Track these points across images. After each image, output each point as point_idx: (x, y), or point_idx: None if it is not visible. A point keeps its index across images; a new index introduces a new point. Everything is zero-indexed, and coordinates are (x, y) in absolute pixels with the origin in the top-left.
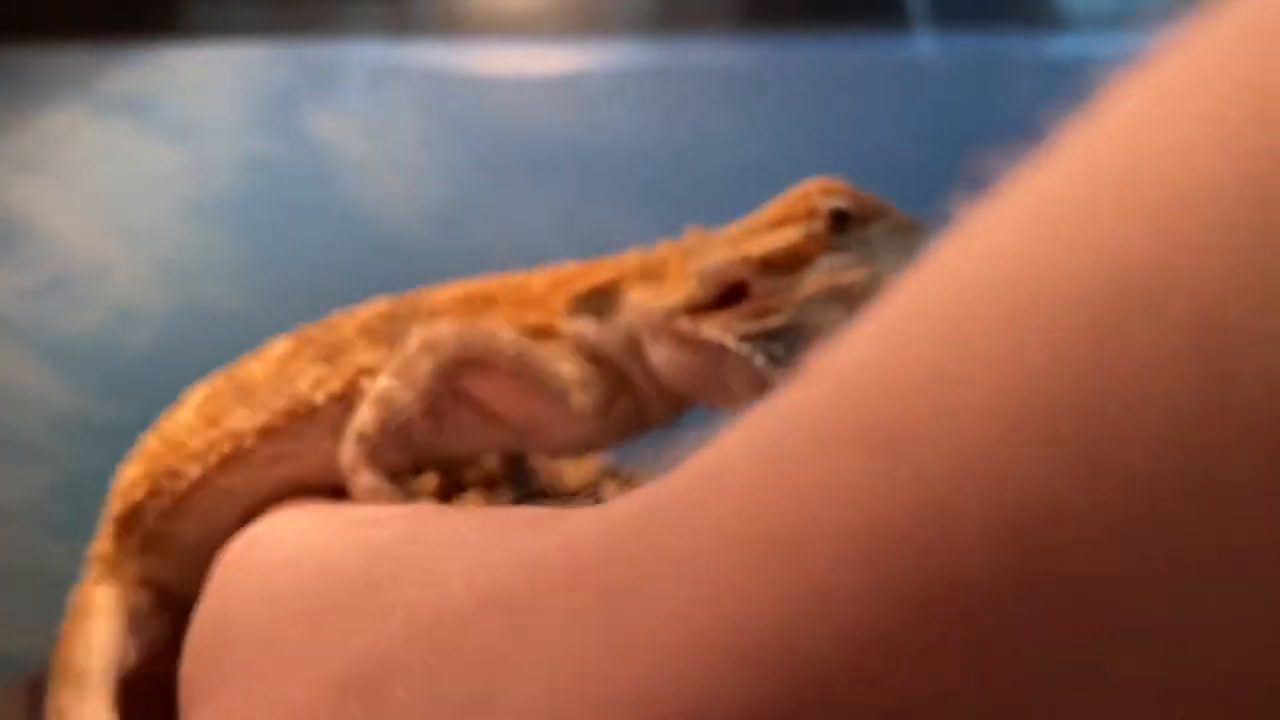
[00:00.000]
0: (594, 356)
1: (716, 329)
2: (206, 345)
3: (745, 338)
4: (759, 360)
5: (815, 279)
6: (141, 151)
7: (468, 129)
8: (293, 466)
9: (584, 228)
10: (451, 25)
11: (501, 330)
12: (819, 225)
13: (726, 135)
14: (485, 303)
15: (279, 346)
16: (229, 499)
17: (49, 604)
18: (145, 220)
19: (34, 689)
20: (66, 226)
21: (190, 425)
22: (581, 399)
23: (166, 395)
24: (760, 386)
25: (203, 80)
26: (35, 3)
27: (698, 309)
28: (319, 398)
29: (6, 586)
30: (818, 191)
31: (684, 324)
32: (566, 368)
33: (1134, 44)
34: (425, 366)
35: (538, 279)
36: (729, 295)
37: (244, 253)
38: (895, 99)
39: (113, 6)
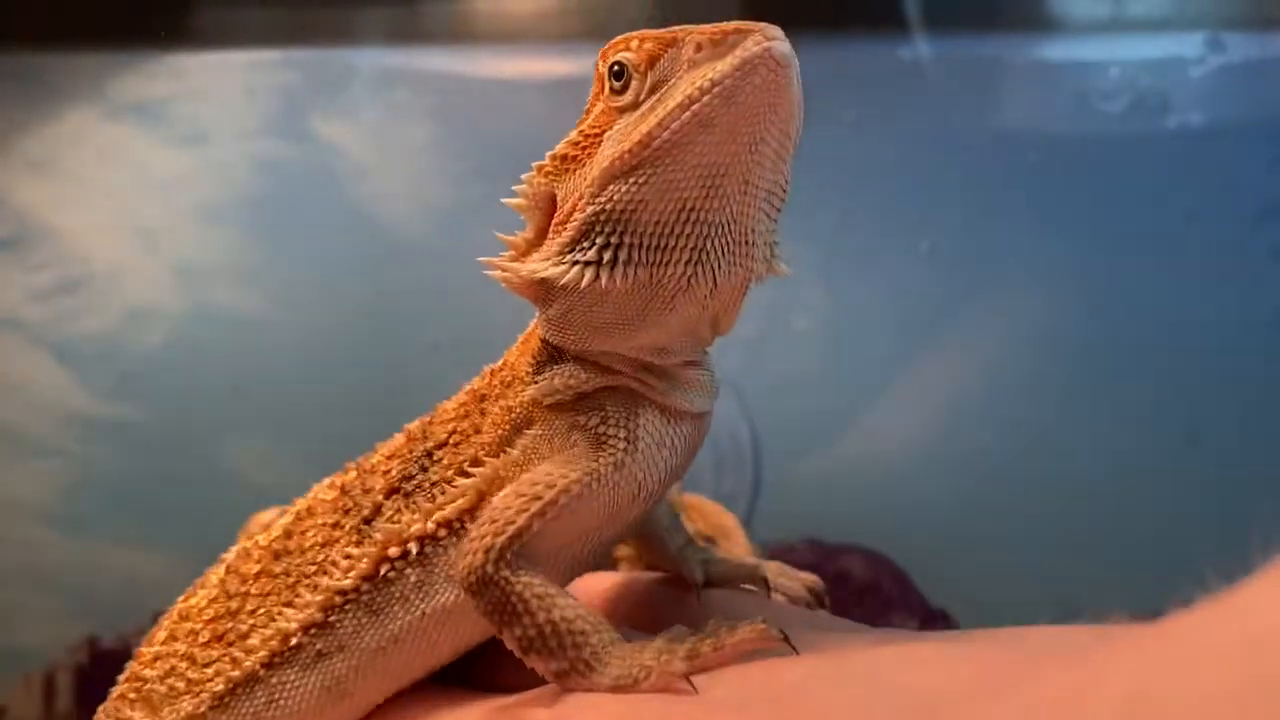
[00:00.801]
0: (580, 398)
1: (532, 262)
2: (217, 345)
3: (556, 256)
4: (570, 277)
5: (599, 158)
6: (153, 155)
7: (473, 133)
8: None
9: None
10: (458, 31)
11: (507, 500)
12: (605, 90)
13: None
14: (479, 410)
15: (316, 505)
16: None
17: (62, 600)
18: (157, 222)
19: (50, 681)
20: (80, 228)
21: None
22: (608, 464)
23: (177, 395)
24: (627, 298)
25: (213, 85)
26: (50, 9)
27: (531, 249)
28: (349, 583)
29: (20, 583)
30: (600, 57)
31: (504, 273)
32: (577, 465)
33: (1125, 48)
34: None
35: (500, 369)
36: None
37: (254, 254)
38: (892, 101)
39: (125, 13)
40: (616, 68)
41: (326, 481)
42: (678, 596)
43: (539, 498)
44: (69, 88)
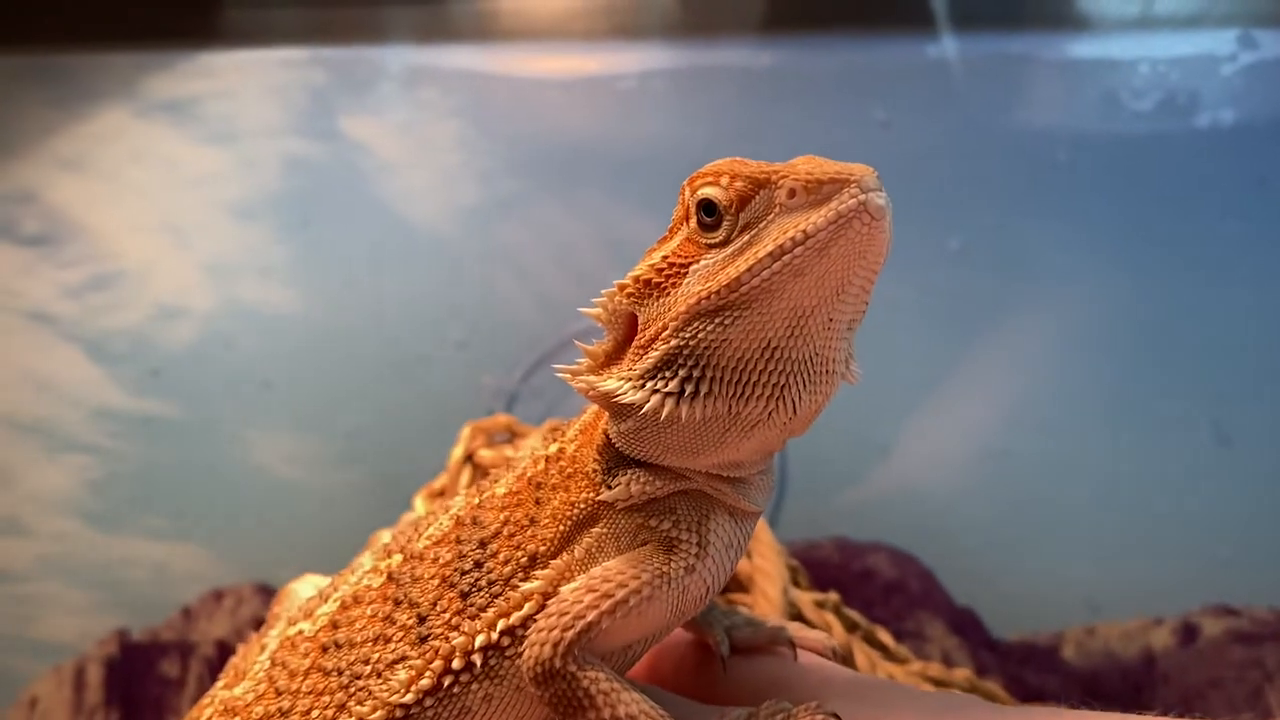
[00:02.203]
0: (651, 501)
1: (613, 380)
2: (246, 341)
3: (638, 380)
4: (651, 406)
5: (684, 291)
6: (184, 153)
7: (500, 131)
8: None
9: (613, 226)
10: (484, 29)
11: (578, 594)
12: (693, 224)
13: (753, 134)
14: (534, 500)
15: (363, 594)
16: None
17: (92, 593)
18: (188, 219)
19: (80, 673)
20: (111, 226)
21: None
22: (679, 568)
23: (207, 391)
24: (705, 425)
25: (242, 84)
26: (82, 9)
27: (610, 362)
28: (410, 698)
29: (51, 576)
30: (687, 185)
31: (585, 384)
32: (649, 567)
33: (1155, 45)
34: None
35: (557, 457)
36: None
37: (283, 251)
38: (920, 99)
39: (156, 13)
40: (706, 203)
41: (369, 563)
42: (716, 661)
43: (610, 595)
44: (100, 87)
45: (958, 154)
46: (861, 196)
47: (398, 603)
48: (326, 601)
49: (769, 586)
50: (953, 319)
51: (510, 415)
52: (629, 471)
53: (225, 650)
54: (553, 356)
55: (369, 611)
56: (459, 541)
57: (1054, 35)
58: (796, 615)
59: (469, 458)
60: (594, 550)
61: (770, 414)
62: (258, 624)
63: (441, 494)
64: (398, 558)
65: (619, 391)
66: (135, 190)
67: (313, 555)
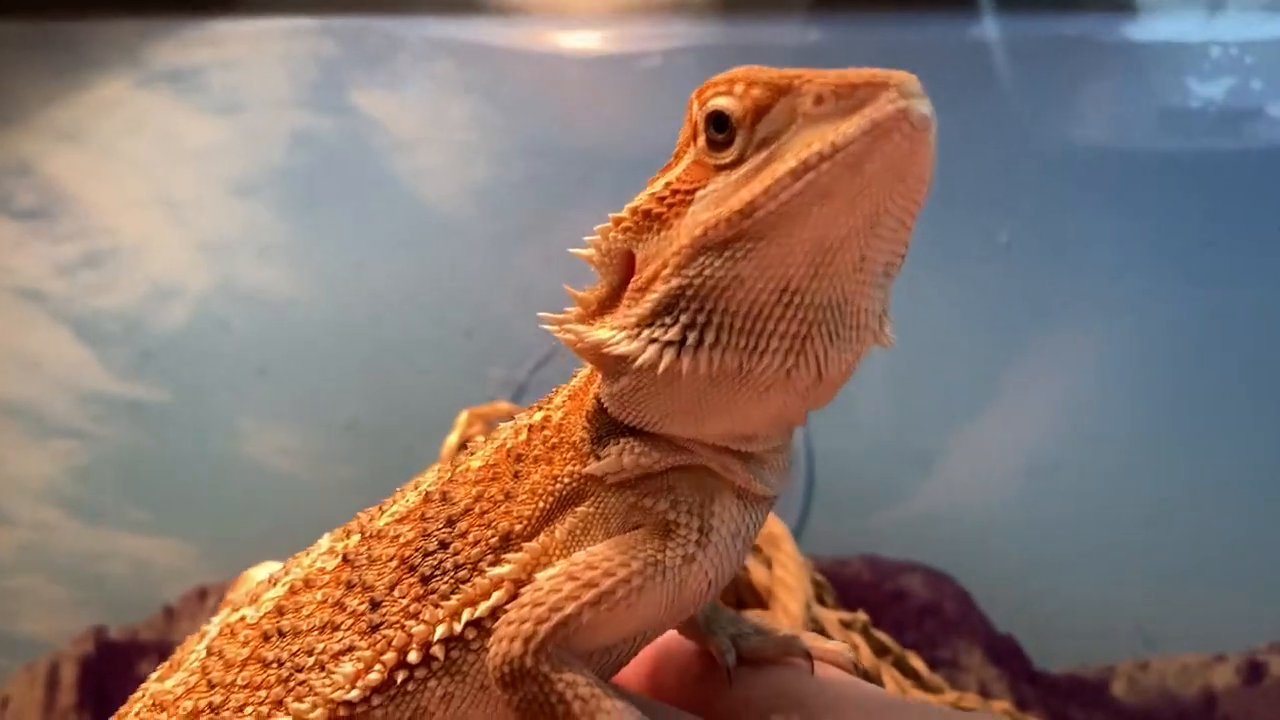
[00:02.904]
0: (646, 476)
1: (604, 329)
2: (242, 325)
3: (633, 329)
4: (647, 357)
5: (689, 222)
6: (186, 125)
7: (517, 109)
8: None
9: None
10: (505, 3)
11: (556, 581)
12: (701, 142)
13: None
14: (513, 473)
15: (315, 577)
16: None
17: (69, 588)
18: (186, 195)
19: (54, 672)
20: (106, 200)
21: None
22: (676, 557)
23: (199, 376)
24: (712, 385)
25: (250, 54)
26: None
27: (604, 309)
28: (355, 695)
29: (28, 568)
30: (695, 97)
31: (571, 334)
32: (640, 553)
33: (1226, 27)
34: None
35: (541, 425)
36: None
37: (284, 230)
38: (967, 81)
39: None
40: (716, 116)
41: (326, 544)
42: (721, 671)
43: (593, 585)
44: (102, 56)
45: (1006, 141)
46: (902, 103)
47: (350, 586)
48: (275, 585)
49: (790, 601)
50: (998, 318)
51: (512, 404)
52: (621, 440)
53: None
54: (565, 349)
55: (319, 596)
56: (424, 519)
57: (1113, 16)
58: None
59: (464, 445)
60: (578, 532)
61: (789, 372)
62: None
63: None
64: (355, 537)
65: (610, 342)
66: (133, 163)
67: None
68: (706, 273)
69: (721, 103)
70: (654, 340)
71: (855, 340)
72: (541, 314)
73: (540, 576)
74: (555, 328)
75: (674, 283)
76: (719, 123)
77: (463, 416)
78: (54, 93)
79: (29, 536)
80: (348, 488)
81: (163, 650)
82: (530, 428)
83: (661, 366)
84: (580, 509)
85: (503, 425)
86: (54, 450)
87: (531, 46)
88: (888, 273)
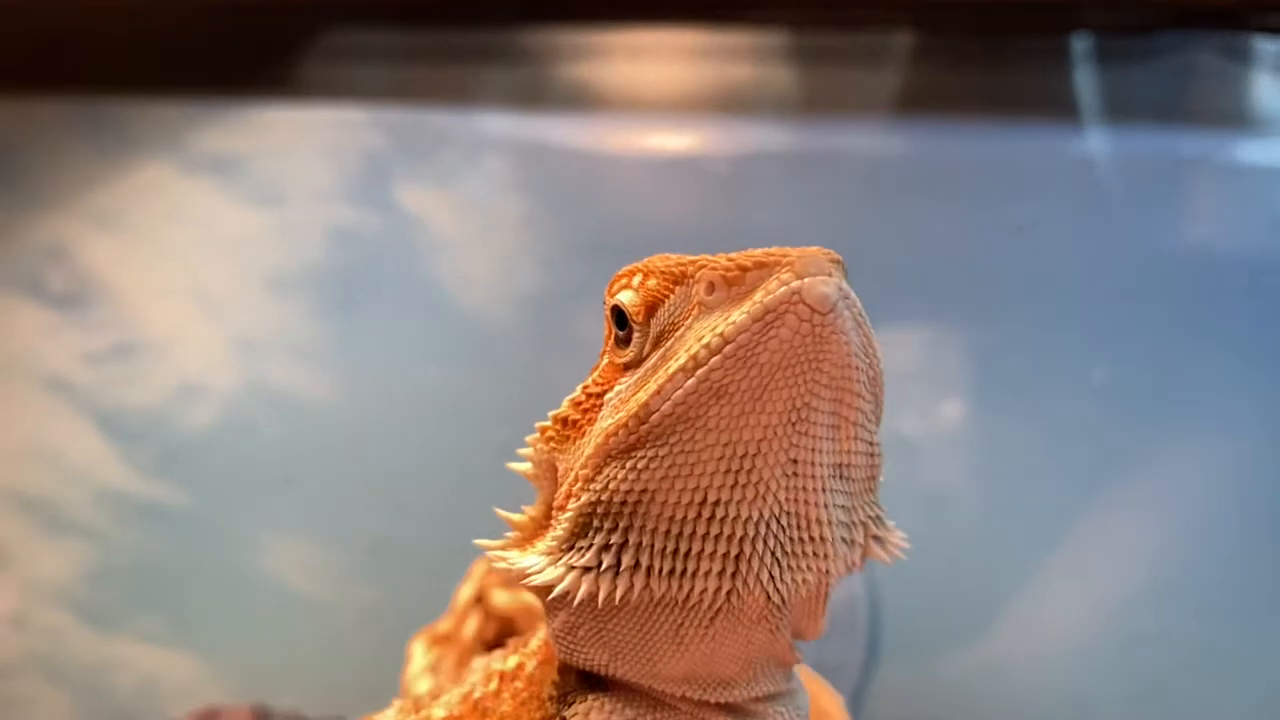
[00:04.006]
0: None
1: (531, 554)
2: (271, 429)
3: (556, 554)
4: (565, 586)
5: (596, 429)
6: (225, 214)
7: (571, 211)
8: None
9: None
10: (572, 98)
11: None
12: (610, 340)
13: (869, 230)
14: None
15: None
16: None
17: (75, 698)
18: (221, 288)
19: None
20: (140, 289)
21: None
22: None
23: (223, 481)
24: (650, 615)
25: (295, 142)
26: (134, 54)
27: (539, 530)
28: None
29: (33, 674)
30: (606, 290)
31: (503, 562)
32: None
33: None
34: None
35: (513, 675)
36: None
37: (320, 330)
38: (1066, 202)
39: (220, 61)
40: (616, 312)
41: None
42: None
43: None
44: (146, 139)
45: (1108, 270)
46: (795, 284)
47: None
48: None
49: None
50: (1092, 467)
51: None
52: (589, 698)
53: None
54: None
55: None
56: None
57: (1232, 134)
58: None
59: (479, 599)
60: None
61: (729, 596)
62: None
63: (446, 640)
64: None
65: (532, 570)
66: (169, 251)
67: (315, 681)
68: (612, 485)
69: (621, 298)
70: (572, 567)
71: (815, 556)
72: (477, 540)
73: None
74: (493, 555)
75: (583, 499)
76: (620, 320)
77: (479, 565)
78: (94, 174)
79: (36, 640)
80: (366, 614)
81: None
82: (501, 675)
83: (580, 594)
84: None
85: (476, 663)
86: (68, 550)
87: (591, 145)
88: (847, 476)
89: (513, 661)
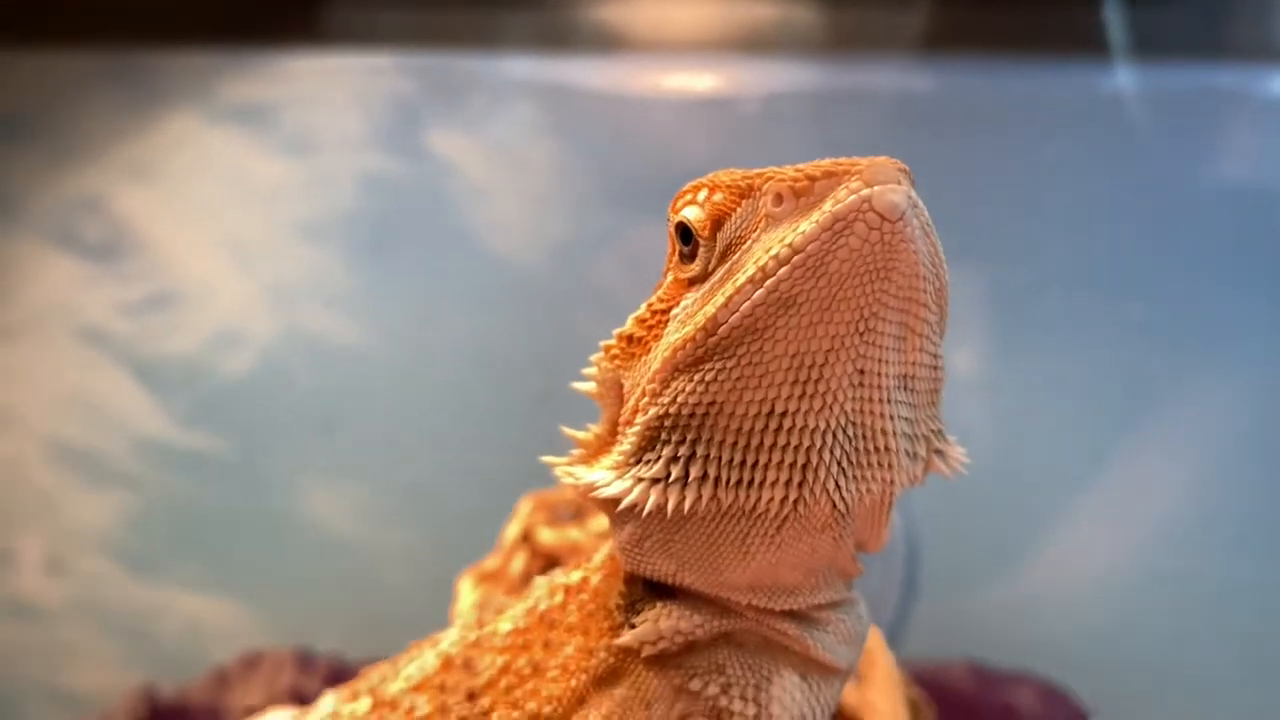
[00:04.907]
0: (690, 649)
1: (597, 469)
2: (306, 376)
3: (622, 467)
4: (634, 498)
5: (663, 343)
6: (256, 164)
7: (601, 154)
8: None
9: None
10: (599, 40)
11: None
12: (675, 257)
13: None
14: (544, 643)
15: None
16: None
17: (120, 643)
18: (254, 237)
19: None
20: (174, 240)
21: None
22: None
23: (260, 427)
24: (717, 526)
25: (325, 91)
26: (161, 5)
27: (604, 447)
28: None
29: (79, 620)
30: (670, 207)
31: (570, 478)
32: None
33: None
34: None
35: (579, 587)
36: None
37: (353, 277)
38: (1102, 139)
39: (245, 10)
40: (682, 228)
41: (330, 705)
42: None
43: None
44: (175, 90)
45: (1145, 207)
46: (865, 192)
47: None
48: None
49: None
50: (1128, 405)
51: None
52: (658, 605)
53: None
54: None
55: None
56: (443, 689)
57: (1267, 67)
58: None
59: (526, 536)
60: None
61: (798, 505)
62: (295, 696)
63: (493, 577)
64: (365, 702)
65: (600, 484)
66: (201, 202)
67: (358, 623)
68: (680, 399)
69: (687, 213)
70: (640, 479)
71: (879, 467)
72: (544, 458)
73: None
74: (559, 472)
75: (651, 413)
76: (685, 235)
77: (525, 504)
78: (125, 127)
79: (82, 586)
80: (409, 553)
81: (215, 715)
82: (567, 589)
83: (649, 505)
84: (618, 691)
85: (538, 580)
86: (110, 499)
87: (620, 88)
88: (912, 388)
89: (577, 576)
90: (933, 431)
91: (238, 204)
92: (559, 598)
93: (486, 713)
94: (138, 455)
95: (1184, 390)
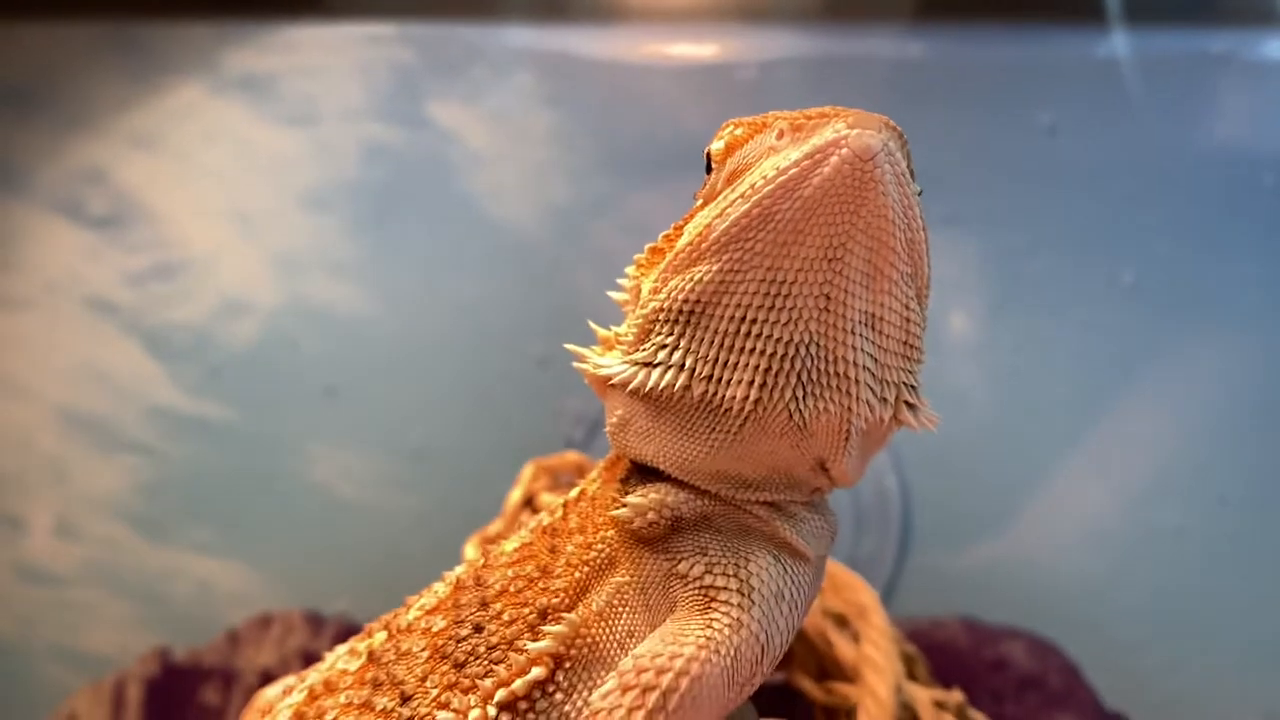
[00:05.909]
0: (676, 532)
1: (609, 356)
2: (311, 343)
3: (625, 355)
4: (622, 375)
5: (672, 254)
6: (260, 134)
7: (600, 122)
8: None
9: None
10: (591, 9)
11: (611, 697)
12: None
13: None
14: (549, 549)
15: (336, 679)
16: None
17: (134, 605)
18: (258, 207)
19: (120, 692)
20: (179, 210)
21: None
22: (724, 626)
23: (267, 395)
24: (690, 415)
25: (326, 61)
26: None
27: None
28: None
29: (94, 583)
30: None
31: (587, 366)
32: (687, 635)
33: None
34: None
35: (577, 500)
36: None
37: (356, 246)
38: (1094, 104)
39: None
40: (707, 157)
41: (346, 647)
42: None
43: (652, 688)
44: (178, 60)
45: (1137, 171)
46: (846, 132)
47: (377, 685)
48: (291, 694)
49: (879, 683)
50: (1120, 365)
51: (582, 454)
52: (647, 484)
53: (270, 682)
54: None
55: (342, 700)
56: (457, 605)
57: (1261, 31)
58: (911, 717)
59: (529, 501)
60: (616, 603)
61: (758, 405)
62: (305, 657)
63: (497, 541)
64: (381, 635)
65: (605, 366)
66: (206, 172)
67: (366, 585)
68: (673, 294)
69: (713, 145)
70: (634, 362)
71: (838, 390)
72: (568, 345)
73: (594, 697)
74: (576, 354)
75: (650, 306)
76: (709, 163)
77: (528, 469)
78: (128, 97)
79: (95, 550)
80: (413, 518)
81: (227, 677)
82: (566, 504)
83: (634, 383)
84: (616, 578)
85: (547, 498)
86: (121, 465)
87: (619, 56)
88: (879, 330)
89: (574, 491)
90: (904, 383)
91: (241, 174)
92: (559, 513)
93: (499, 614)
94: (147, 422)
95: (1174, 350)
